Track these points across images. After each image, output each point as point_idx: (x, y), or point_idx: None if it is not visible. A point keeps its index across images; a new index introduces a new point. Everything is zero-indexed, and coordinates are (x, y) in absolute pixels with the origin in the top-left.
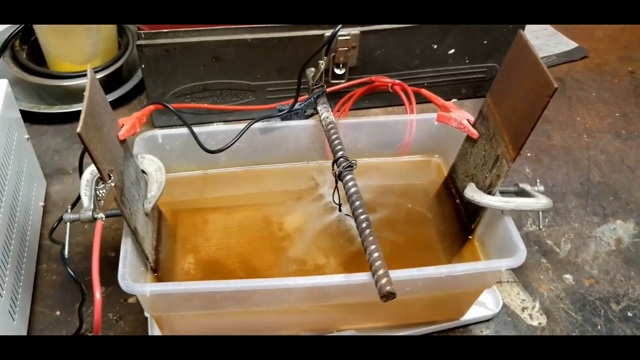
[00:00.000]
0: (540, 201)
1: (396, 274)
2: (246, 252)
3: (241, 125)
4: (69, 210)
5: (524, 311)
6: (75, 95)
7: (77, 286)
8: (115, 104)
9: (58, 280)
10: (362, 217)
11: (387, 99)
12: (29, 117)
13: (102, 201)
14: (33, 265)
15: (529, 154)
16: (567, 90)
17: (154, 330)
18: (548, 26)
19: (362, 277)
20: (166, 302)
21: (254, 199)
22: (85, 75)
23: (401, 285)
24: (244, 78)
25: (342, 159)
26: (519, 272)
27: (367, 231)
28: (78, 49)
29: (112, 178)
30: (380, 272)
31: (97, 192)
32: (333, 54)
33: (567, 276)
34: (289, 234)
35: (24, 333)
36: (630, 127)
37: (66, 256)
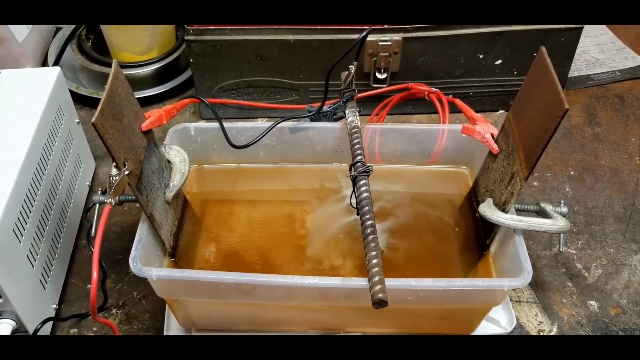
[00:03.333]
0: (556, 223)
1: (393, 283)
2: (266, 247)
3: (270, 124)
4: (99, 192)
5: (539, 334)
6: (133, 83)
7: (107, 263)
8: (171, 94)
9: None
10: (368, 222)
11: (430, 106)
12: (90, 102)
13: (113, 187)
14: (72, 240)
15: (572, 172)
16: (626, 109)
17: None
18: (616, 40)
19: (359, 282)
20: (173, 287)
21: (281, 195)
22: (143, 65)
23: (402, 294)
24: (287, 77)
25: (359, 164)
26: (540, 293)
27: (371, 237)
28: (137, 40)
29: (126, 166)
30: (376, 278)
31: (111, 178)
32: (374, 58)
33: (592, 303)
34: (310, 233)
35: (55, 302)
36: None
37: (92, 235)
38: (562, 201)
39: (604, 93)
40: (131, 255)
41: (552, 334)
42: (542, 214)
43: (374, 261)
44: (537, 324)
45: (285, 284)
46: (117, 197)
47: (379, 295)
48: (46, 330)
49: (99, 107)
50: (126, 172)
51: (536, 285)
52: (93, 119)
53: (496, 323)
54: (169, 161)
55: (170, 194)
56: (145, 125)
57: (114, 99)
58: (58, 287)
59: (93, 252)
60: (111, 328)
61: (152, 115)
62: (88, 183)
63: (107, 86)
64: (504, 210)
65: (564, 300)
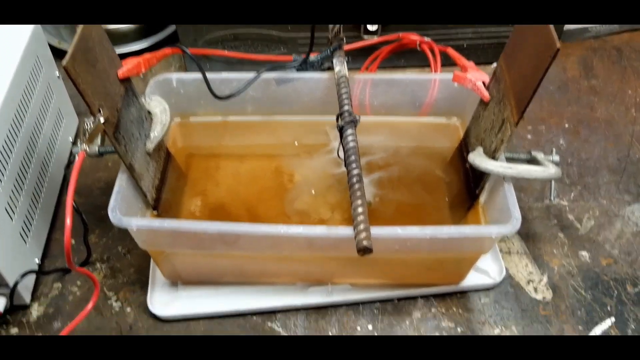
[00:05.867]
0: (546, 170)
1: (378, 231)
2: (253, 201)
3: (255, 74)
4: (78, 144)
5: (529, 284)
6: (115, 38)
7: (91, 218)
8: (155, 49)
9: None
10: (354, 172)
11: (422, 59)
12: None
13: (87, 134)
14: (55, 195)
15: (566, 125)
16: (623, 61)
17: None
18: None
19: (343, 230)
20: (154, 238)
21: (268, 149)
22: None
23: (388, 243)
24: (275, 28)
25: (345, 113)
26: (530, 244)
27: (356, 186)
28: None
29: (100, 112)
30: (361, 227)
31: (85, 124)
32: None
33: (584, 253)
34: (298, 186)
35: (38, 257)
36: None
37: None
38: (554, 149)
39: (602, 45)
40: (110, 205)
41: (542, 284)
42: (533, 162)
43: (359, 209)
44: (527, 274)
45: (269, 234)
46: (97, 149)
47: (364, 242)
48: (29, 284)
49: (70, 50)
50: (101, 119)
51: (527, 236)
52: (64, 62)
53: (485, 273)
54: (149, 112)
55: (151, 145)
56: (122, 73)
57: (87, 43)
58: (41, 242)
59: (66, 198)
60: (92, 280)
61: (129, 62)
62: (71, 139)
63: (78, 29)
64: (494, 158)
65: (555, 251)
